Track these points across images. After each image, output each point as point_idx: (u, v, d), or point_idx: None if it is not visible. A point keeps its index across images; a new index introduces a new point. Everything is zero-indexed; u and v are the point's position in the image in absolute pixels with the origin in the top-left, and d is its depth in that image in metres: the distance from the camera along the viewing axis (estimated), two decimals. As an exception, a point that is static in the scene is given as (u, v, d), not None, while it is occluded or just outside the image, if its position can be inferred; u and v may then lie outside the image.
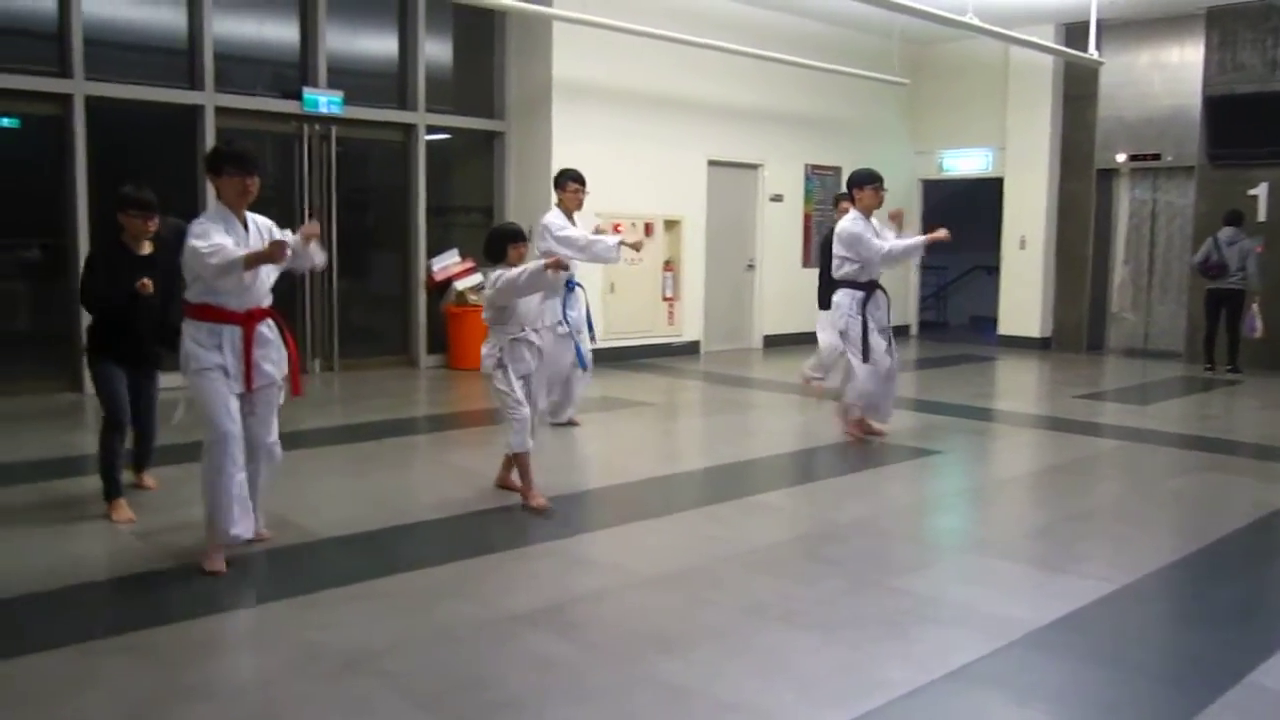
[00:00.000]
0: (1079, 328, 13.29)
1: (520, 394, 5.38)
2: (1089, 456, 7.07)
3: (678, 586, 4.26)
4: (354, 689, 3.25)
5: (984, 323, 15.96)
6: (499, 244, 5.42)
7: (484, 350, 5.52)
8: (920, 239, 7.22)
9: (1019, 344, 13.44)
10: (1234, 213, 11.19)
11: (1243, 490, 6.22)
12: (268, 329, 4.51)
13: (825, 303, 8.49)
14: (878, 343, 7.20)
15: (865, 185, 7.25)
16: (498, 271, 5.36)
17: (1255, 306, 11.06)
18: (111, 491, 5.15)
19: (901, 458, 6.90)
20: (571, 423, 7.60)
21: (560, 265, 5.26)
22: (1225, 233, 11.10)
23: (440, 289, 10.69)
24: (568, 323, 7.21)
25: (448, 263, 10.70)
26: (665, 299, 11.91)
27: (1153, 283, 13.16)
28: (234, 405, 4.39)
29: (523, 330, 5.47)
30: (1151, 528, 5.39)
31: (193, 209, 8.60)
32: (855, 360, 7.23)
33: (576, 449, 7.16)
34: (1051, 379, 11.08)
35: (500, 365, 5.39)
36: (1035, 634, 3.80)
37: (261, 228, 4.52)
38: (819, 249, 8.87)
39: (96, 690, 3.25)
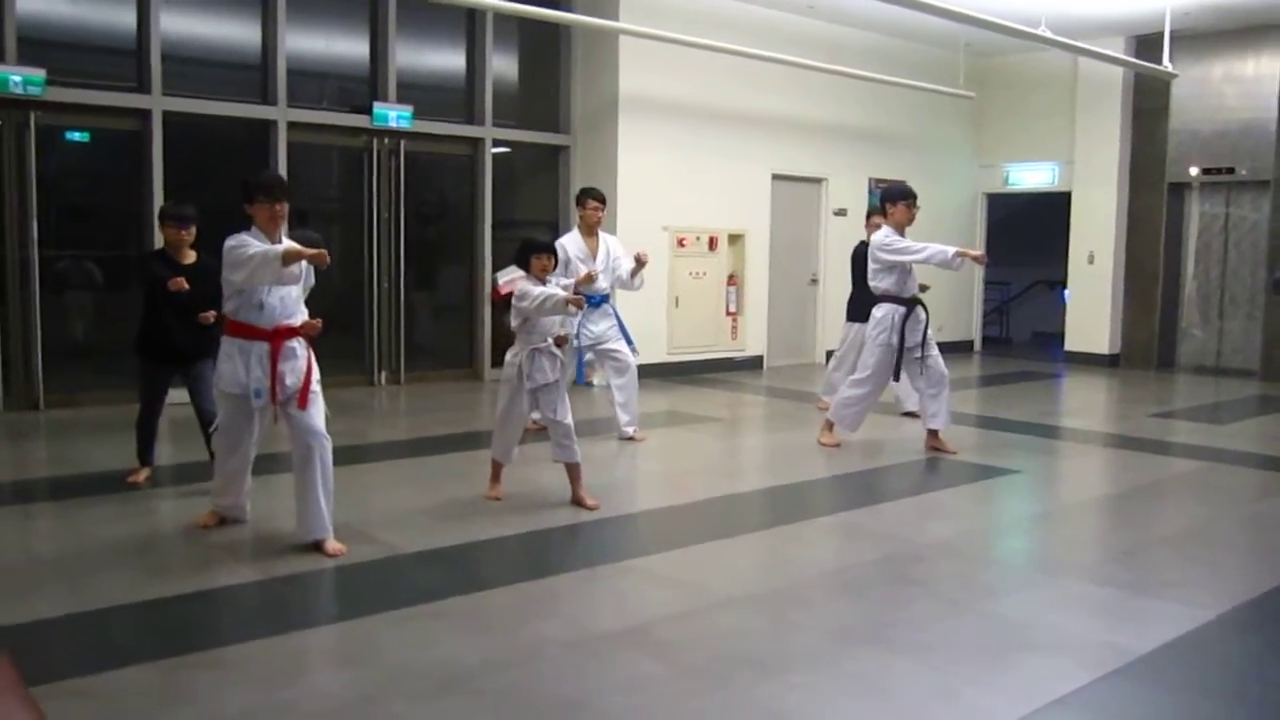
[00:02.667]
0: (1149, 344, 13.03)
1: (503, 417, 5.77)
2: (1169, 477, 6.91)
3: (763, 607, 4.21)
4: (452, 709, 3.22)
5: (1047, 339, 15.74)
6: (524, 255, 5.69)
7: (508, 357, 5.71)
8: (954, 248, 7.19)
9: (1087, 360, 13.20)
10: None
11: (1336, 515, 6.05)
12: (297, 344, 4.87)
13: (853, 314, 8.52)
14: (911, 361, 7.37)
15: (899, 201, 7.27)
16: (523, 284, 5.62)
17: None
18: (142, 458, 6.04)
19: (976, 477, 6.78)
20: (633, 437, 7.58)
21: (580, 305, 5.63)
22: None
23: (506, 302, 10.67)
24: (579, 338, 7.23)
25: (513, 276, 10.68)
26: (729, 313, 11.85)
27: (1225, 299, 12.88)
28: (248, 435, 4.99)
29: (545, 341, 5.60)
30: (1241, 553, 5.25)
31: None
32: (861, 372, 7.47)
33: (645, 464, 7.12)
34: (1123, 397, 10.87)
35: (521, 378, 5.61)
36: (1136, 663, 3.69)
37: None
38: (853, 261, 8.80)
39: (189, 707, 3.23)
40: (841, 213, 12.86)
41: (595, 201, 7.64)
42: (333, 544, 4.76)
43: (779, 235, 12.28)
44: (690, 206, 11.24)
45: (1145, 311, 13.06)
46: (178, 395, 6.19)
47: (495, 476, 5.92)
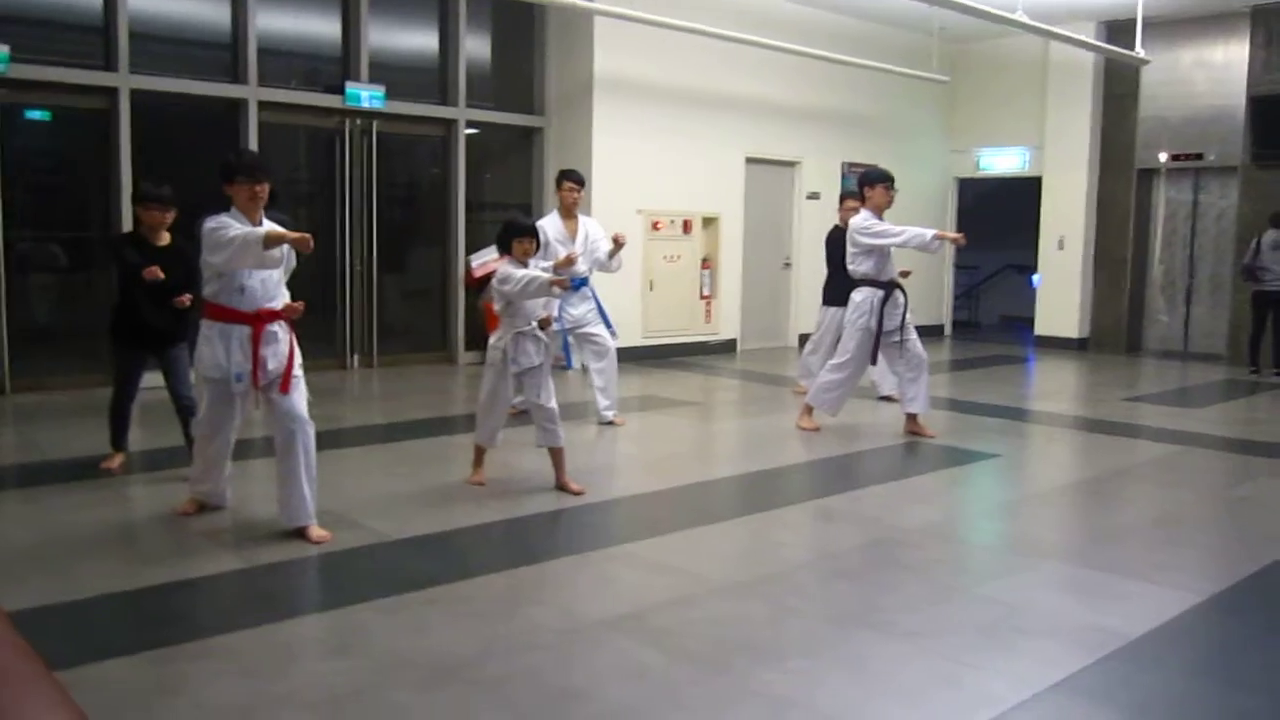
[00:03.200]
0: (1118, 329, 13.16)
1: (487, 401, 5.70)
2: (1145, 461, 6.97)
3: (759, 594, 4.18)
4: (452, 699, 3.17)
5: (1015, 323, 15.85)
6: (506, 237, 5.60)
7: (492, 340, 5.66)
8: (932, 231, 7.19)
9: (1056, 344, 13.32)
10: (1278, 214, 11.10)
11: (1313, 497, 6.13)
12: (279, 327, 4.76)
13: (829, 299, 8.52)
14: (889, 345, 7.36)
15: (877, 184, 7.29)
16: (505, 267, 5.53)
17: None
18: (116, 444, 5.93)
19: (958, 461, 6.80)
20: (612, 422, 7.55)
21: (565, 285, 5.58)
22: (1269, 235, 11.01)
23: (480, 285, 10.59)
24: (560, 320, 7.17)
25: (487, 259, 10.60)
26: (703, 297, 11.82)
27: (1193, 284, 13.01)
28: (229, 420, 4.91)
29: (530, 324, 5.55)
30: (1226, 536, 5.29)
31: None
32: (840, 356, 7.45)
33: (625, 449, 7.09)
34: (1094, 380, 10.96)
35: (505, 362, 5.56)
36: (1133, 646, 3.70)
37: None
38: (828, 245, 8.80)
39: (182, 698, 3.16)
40: (815, 196, 12.86)
41: (572, 184, 7.58)
42: (317, 530, 4.68)
43: (752, 219, 12.26)
44: (664, 189, 11.19)
45: (1114, 296, 13.18)
46: (150, 379, 6.07)
47: (478, 461, 5.86)
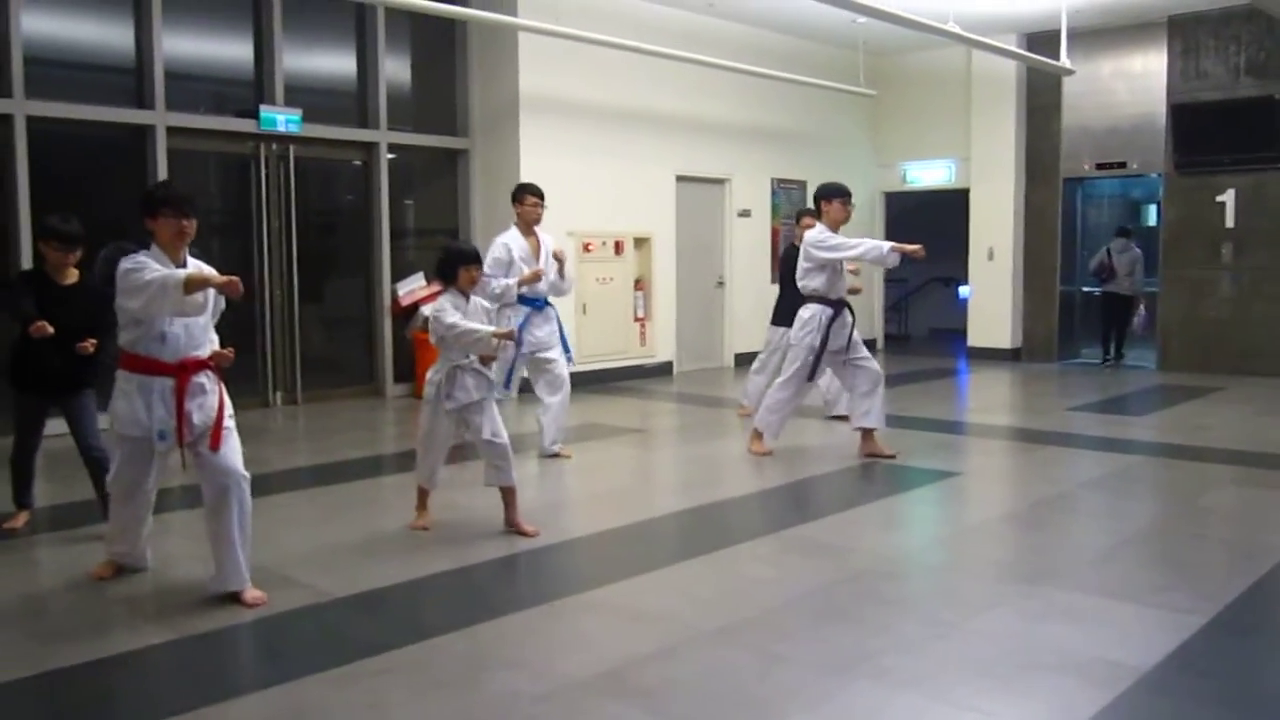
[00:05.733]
0: (1049, 338, 13.17)
1: (434, 426, 5.28)
2: (1109, 473, 6.80)
3: (744, 641, 3.86)
4: (424, 789, 2.79)
5: (944, 335, 15.84)
6: (450, 265, 5.21)
7: (429, 374, 5.25)
8: (889, 243, 6.91)
9: (989, 355, 13.27)
10: (1123, 228, 12.63)
11: (1278, 503, 6.02)
12: (206, 378, 4.31)
13: (779, 319, 8.35)
14: (834, 361, 7.21)
15: (834, 198, 7.09)
16: (443, 302, 5.17)
17: (1141, 308, 12.48)
18: (19, 500, 5.45)
19: (919, 481, 6.59)
20: (558, 454, 7.18)
21: (511, 337, 5.32)
22: (1117, 243, 12.31)
23: (406, 314, 10.19)
24: (522, 343, 6.84)
25: (413, 286, 10.22)
26: (637, 319, 11.52)
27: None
28: (147, 477, 4.44)
29: (468, 358, 5.17)
30: (1210, 550, 5.13)
31: (144, 232, 8.09)
32: (785, 374, 7.23)
33: (575, 484, 6.73)
34: (1035, 391, 10.90)
35: (440, 398, 5.19)
36: (1149, 678, 3.47)
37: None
38: (782, 263, 8.59)
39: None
40: (746, 214, 12.67)
41: (534, 198, 7.10)
42: (252, 592, 4.24)
43: (684, 238, 12.01)
44: (595, 210, 10.88)
45: (1045, 305, 13.19)
46: (57, 426, 5.53)
47: (422, 504, 5.46)
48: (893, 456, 7.09)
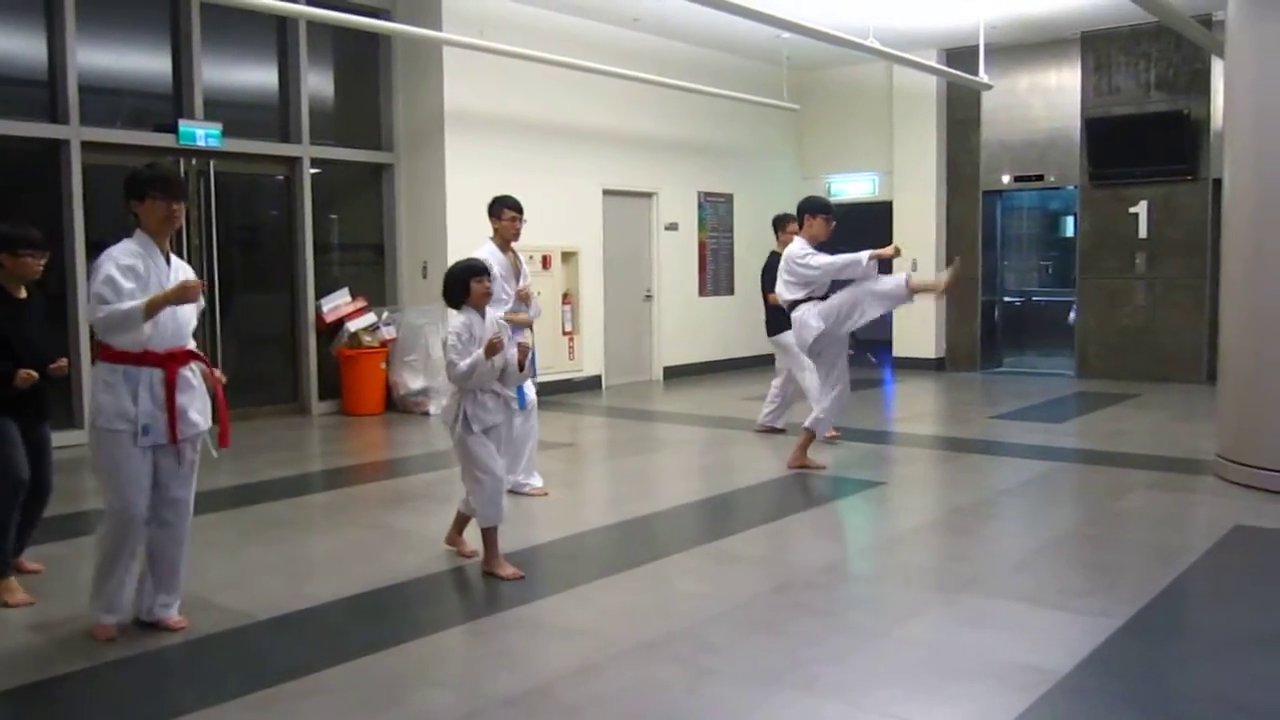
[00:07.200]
0: (972, 347, 13.42)
1: (488, 455, 4.82)
2: (1029, 480, 6.93)
3: (672, 655, 3.86)
4: (347, 814, 2.75)
5: (865, 345, 16.04)
6: (460, 283, 4.84)
7: (439, 414, 5.03)
8: (866, 253, 6.79)
9: (914, 365, 13.49)
10: None
11: (1193, 507, 6.21)
12: (191, 373, 4.07)
13: (774, 328, 8.32)
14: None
15: (818, 214, 7.11)
16: (453, 344, 4.79)
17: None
18: (2, 569, 4.51)
19: (844, 491, 6.66)
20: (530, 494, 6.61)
21: (494, 348, 4.72)
22: None
23: (331, 331, 10.07)
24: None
25: (338, 303, 10.11)
26: (565, 333, 11.50)
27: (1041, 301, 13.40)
28: (147, 479, 3.99)
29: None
30: (1126, 553, 5.25)
31: (58, 250, 7.90)
32: (814, 378, 7.06)
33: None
34: (959, 400, 11.09)
35: (463, 419, 4.80)
36: (1066, 681, 3.55)
37: (178, 268, 4.10)
38: (761, 275, 8.60)
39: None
40: (673, 227, 12.73)
41: (513, 211, 6.59)
42: (173, 617, 4.14)
43: (612, 252, 12.02)
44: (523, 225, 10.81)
45: (967, 315, 13.44)
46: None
47: (491, 544, 4.95)
48: (823, 468, 7.15)
